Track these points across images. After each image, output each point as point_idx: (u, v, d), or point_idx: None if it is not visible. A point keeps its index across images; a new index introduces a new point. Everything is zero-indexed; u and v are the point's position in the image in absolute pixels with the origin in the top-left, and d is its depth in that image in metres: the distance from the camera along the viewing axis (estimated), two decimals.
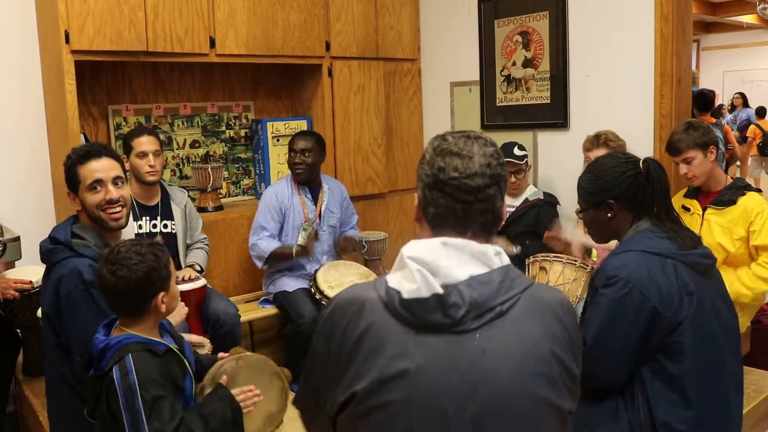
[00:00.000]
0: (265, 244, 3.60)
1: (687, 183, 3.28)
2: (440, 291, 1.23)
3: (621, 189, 1.99)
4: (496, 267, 1.28)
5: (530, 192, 3.79)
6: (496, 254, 1.30)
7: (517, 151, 3.69)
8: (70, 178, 2.20)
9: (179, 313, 2.20)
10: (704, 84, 14.45)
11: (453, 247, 1.27)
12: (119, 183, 2.19)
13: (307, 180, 3.74)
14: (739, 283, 2.98)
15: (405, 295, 1.24)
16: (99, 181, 2.15)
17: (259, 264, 3.67)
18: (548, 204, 3.73)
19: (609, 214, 2.03)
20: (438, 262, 1.25)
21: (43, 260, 2.18)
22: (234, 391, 1.85)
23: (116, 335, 1.77)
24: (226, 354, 2.14)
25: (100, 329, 1.81)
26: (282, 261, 3.65)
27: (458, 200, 1.30)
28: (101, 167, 2.17)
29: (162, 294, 1.80)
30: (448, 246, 1.27)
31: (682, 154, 3.03)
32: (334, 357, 1.29)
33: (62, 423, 2.17)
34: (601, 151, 3.28)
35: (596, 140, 3.41)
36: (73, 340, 2.03)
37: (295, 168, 3.68)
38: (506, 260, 1.31)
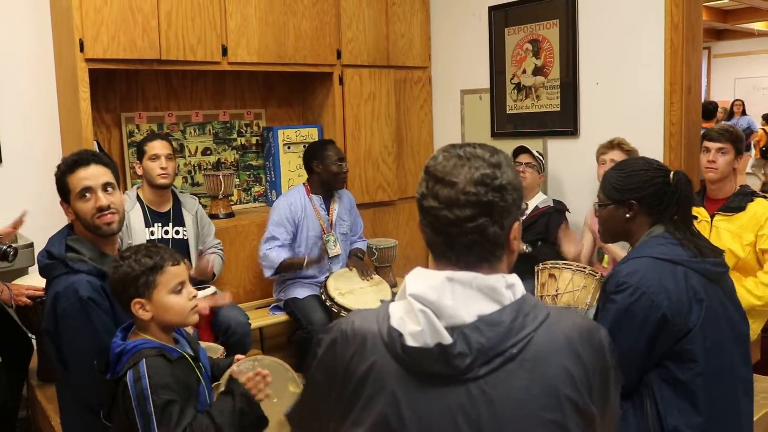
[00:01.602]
0: (275, 254, 3.59)
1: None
2: (444, 341, 1.14)
3: (646, 193, 2.00)
4: (507, 303, 1.18)
5: (540, 200, 3.80)
6: (507, 287, 1.19)
7: (535, 153, 3.77)
8: (61, 188, 2.16)
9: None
10: (715, 91, 14.44)
11: (459, 282, 1.17)
12: (109, 189, 2.15)
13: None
14: (747, 294, 2.99)
15: (408, 341, 1.16)
16: (88, 189, 2.11)
17: (267, 273, 3.65)
18: (558, 211, 3.74)
19: (628, 215, 2.03)
20: (442, 302, 1.15)
21: (41, 274, 2.16)
22: (242, 380, 1.83)
23: (132, 340, 1.80)
24: (243, 356, 2.15)
25: (118, 333, 1.85)
26: (292, 271, 3.65)
27: (438, 232, 1.20)
28: (89, 174, 2.12)
29: (137, 302, 1.79)
30: (453, 282, 1.17)
31: (721, 142, 3.08)
32: (336, 394, 1.23)
33: None
34: (616, 153, 3.35)
35: (610, 144, 3.45)
36: (69, 355, 2.03)
37: (344, 177, 3.75)
38: (519, 292, 1.21)
